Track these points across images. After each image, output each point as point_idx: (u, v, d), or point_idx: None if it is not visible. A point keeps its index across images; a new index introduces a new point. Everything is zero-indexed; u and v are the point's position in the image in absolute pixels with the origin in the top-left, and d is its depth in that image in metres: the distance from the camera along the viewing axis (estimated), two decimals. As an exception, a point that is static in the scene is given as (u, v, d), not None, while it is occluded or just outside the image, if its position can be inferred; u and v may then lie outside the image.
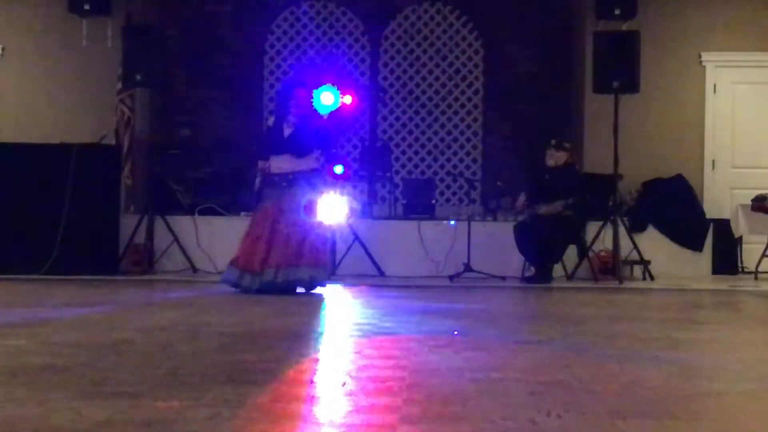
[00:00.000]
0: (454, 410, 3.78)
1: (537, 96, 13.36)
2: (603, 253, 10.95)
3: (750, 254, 11.83)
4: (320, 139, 9.27)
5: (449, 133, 13.57)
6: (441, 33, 13.62)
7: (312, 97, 9.67)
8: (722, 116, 12.51)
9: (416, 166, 13.50)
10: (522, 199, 10.93)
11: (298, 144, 9.04)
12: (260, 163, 9.31)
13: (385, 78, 13.62)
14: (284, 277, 8.77)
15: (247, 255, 8.86)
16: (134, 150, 12.02)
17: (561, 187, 10.61)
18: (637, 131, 12.15)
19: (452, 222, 11.05)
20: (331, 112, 10.43)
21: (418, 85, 13.61)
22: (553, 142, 10.89)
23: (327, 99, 11.07)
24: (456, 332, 6.12)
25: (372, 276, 10.86)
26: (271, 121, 9.36)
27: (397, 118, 13.45)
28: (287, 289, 8.79)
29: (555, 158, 10.79)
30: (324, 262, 9.12)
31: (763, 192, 11.73)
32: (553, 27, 13.41)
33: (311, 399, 4.02)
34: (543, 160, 10.89)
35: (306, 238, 8.87)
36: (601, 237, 10.95)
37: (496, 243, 11.05)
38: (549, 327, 6.77)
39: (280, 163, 9.05)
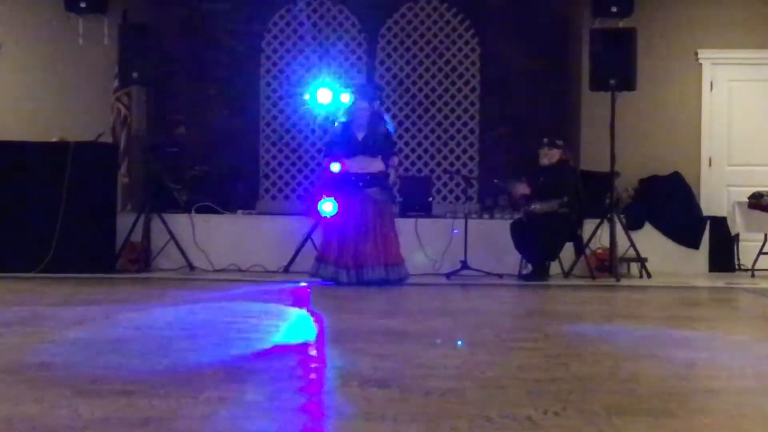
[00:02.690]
0: (451, 407, 3.78)
1: (534, 93, 13.34)
2: (600, 251, 10.95)
3: (746, 252, 11.81)
4: (387, 143, 10.10)
5: (446, 130, 13.55)
6: (438, 31, 13.60)
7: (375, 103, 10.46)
8: (719, 114, 12.50)
9: (413, 164, 13.49)
10: (522, 187, 10.84)
11: (372, 146, 9.89)
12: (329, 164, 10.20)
13: (381, 76, 13.60)
14: (380, 275, 9.66)
15: (337, 251, 9.69)
16: (131, 148, 12.00)
17: (556, 185, 10.59)
18: (633, 129, 12.14)
19: (455, 230, 11.05)
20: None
21: (414, 83, 13.59)
22: (545, 140, 10.87)
23: (324, 97, 11.08)
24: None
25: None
26: (339, 127, 10.16)
27: (394, 116, 13.44)
28: (381, 285, 9.59)
29: (548, 157, 10.77)
30: (402, 258, 9.95)
31: (759, 189, 11.72)
32: (550, 24, 13.40)
33: (308, 397, 4.02)
34: (537, 159, 10.86)
35: (389, 237, 9.86)
36: (597, 235, 10.95)
37: (493, 241, 11.04)
38: (546, 324, 6.77)
39: (357, 164, 9.86)
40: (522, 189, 10.85)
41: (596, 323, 7.01)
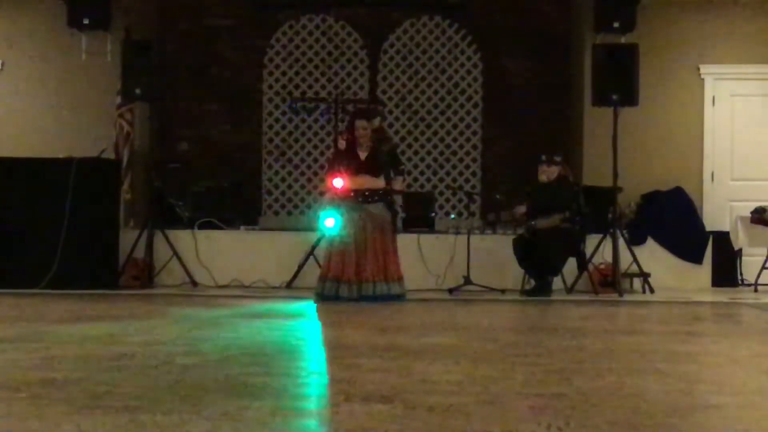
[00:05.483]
0: (454, 423, 3.77)
1: (536, 109, 13.36)
2: (603, 266, 10.94)
3: (749, 266, 11.81)
4: (392, 160, 10.19)
5: (448, 146, 13.57)
6: (440, 46, 13.63)
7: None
8: (721, 129, 12.52)
9: (415, 180, 13.50)
10: (522, 209, 10.87)
11: (374, 166, 9.93)
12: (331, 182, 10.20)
13: (384, 92, 13.63)
14: (381, 291, 9.69)
15: (338, 266, 9.70)
16: (134, 164, 12.02)
17: (556, 201, 10.59)
18: (636, 144, 12.15)
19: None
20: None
21: (417, 99, 13.62)
22: (544, 157, 10.86)
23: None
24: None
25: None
26: (342, 144, 10.16)
27: (396, 132, 13.46)
28: (380, 300, 9.63)
29: (547, 173, 10.76)
30: (402, 275, 9.95)
31: (762, 204, 11.73)
32: (552, 40, 13.43)
33: (311, 412, 4.01)
34: (536, 175, 10.86)
35: (389, 252, 9.86)
36: (600, 250, 10.94)
37: (496, 256, 11.05)
38: (549, 340, 6.77)
39: (359, 182, 9.89)
40: (520, 210, 10.87)
41: (599, 338, 7.00)
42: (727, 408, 4.22)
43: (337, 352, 6.15)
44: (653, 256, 11.50)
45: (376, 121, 10.49)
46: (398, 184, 10.22)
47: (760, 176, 12.39)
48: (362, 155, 9.94)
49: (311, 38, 13.67)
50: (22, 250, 10.51)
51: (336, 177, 10.00)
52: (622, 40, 11.84)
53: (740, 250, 11.93)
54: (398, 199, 10.35)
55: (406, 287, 9.95)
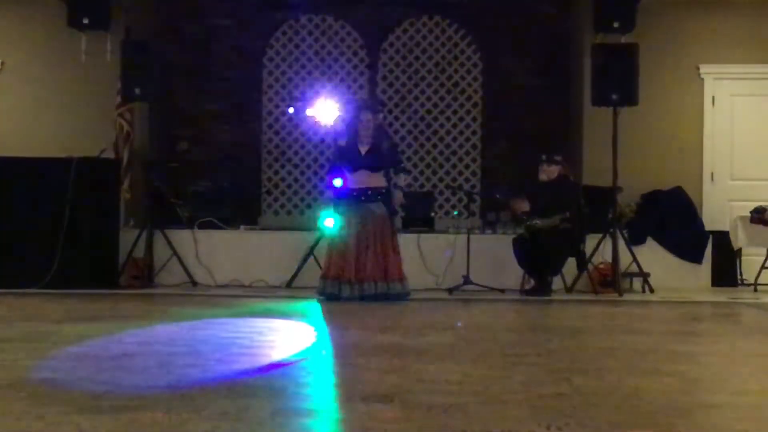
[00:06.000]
0: (454, 423, 3.77)
1: (536, 109, 13.35)
2: (602, 266, 10.94)
3: (749, 266, 11.82)
4: (393, 156, 10.17)
5: (448, 146, 13.56)
6: (440, 46, 13.63)
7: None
8: (721, 128, 12.51)
9: (415, 179, 13.49)
10: (522, 204, 10.83)
11: (375, 161, 9.90)
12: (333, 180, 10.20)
13: (383, 91, 13.62)
14: (381, 290, 9.67)
15: (339, 266, 9.69)
16: (133, 164, 12.02)
17: (557, 200, 10.59)
18: (635, 144, 12.14)
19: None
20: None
21: (417, 98, 13.61)
22: (544, 157, 10.86)
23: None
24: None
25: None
26: (343, 141, 10.11)
27: (396, 131, 13.45)
28: (381, 300, 9.58)
29: (547, 173, 10.77)
30: (404, 275, 9.91)
31: (761, 204, 11.73)
32: (552, 40, 13.42)
33: (311, 412, 4.02)
34: (536, 175, 10.86)
35: (390, 252, 9.83)
36: (600, 249, 10.94)
37: (496, 256, 11.04)
38: (548, 339, 6.77)
39: (359, 178, 9.86)
40: (522, 206, 10.85)
41: (599, 338, 7.00)
42: (727, 408, 4.22)
43: (337, 351, 6.15)
44: (653, 256, 11.50)
45: (380, 116, 10.49)
46: (401, 182, 10.20)
47: (760, 176, 12.39)
48: (363, 150, 9.93)
49: (310, 38, 13.66)
50: (22, 250, 10.51)
51: (336, 176, 10.00)
52: (622, 40, 11.82)
53: (740, 249, 11.94)
54: (401, 197, 10.24)
55: (409, 287, 9.93)
